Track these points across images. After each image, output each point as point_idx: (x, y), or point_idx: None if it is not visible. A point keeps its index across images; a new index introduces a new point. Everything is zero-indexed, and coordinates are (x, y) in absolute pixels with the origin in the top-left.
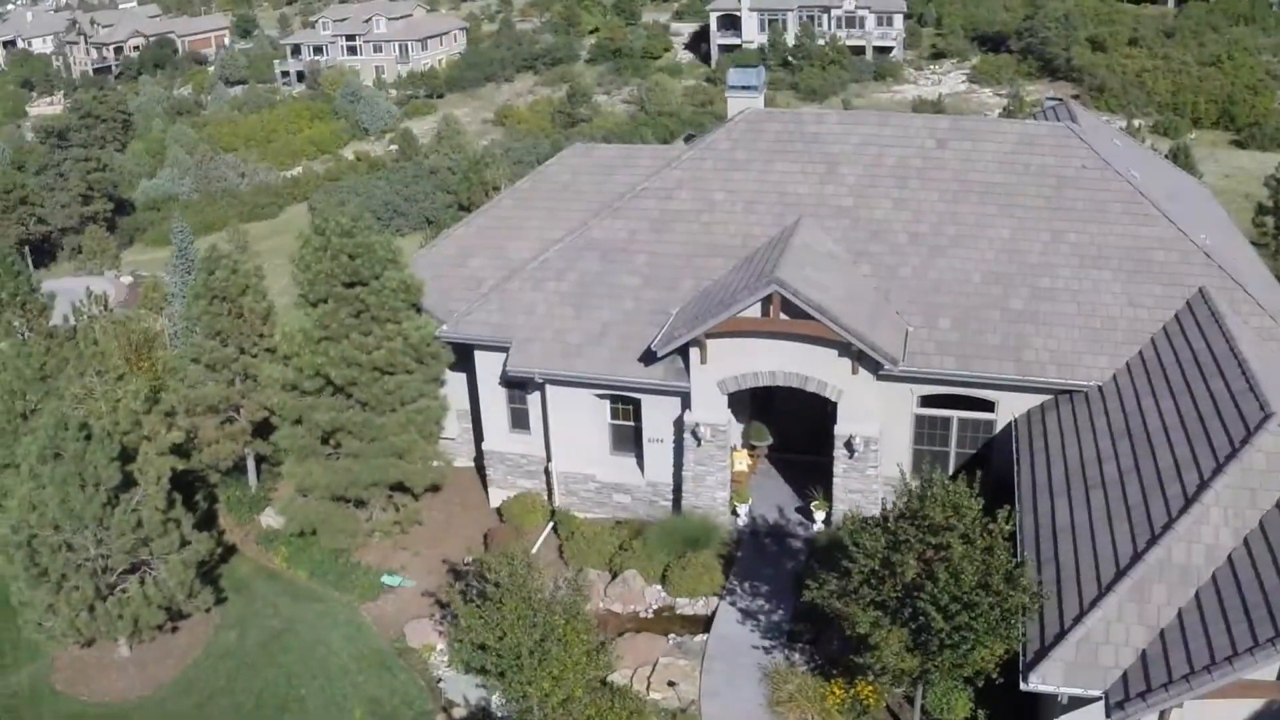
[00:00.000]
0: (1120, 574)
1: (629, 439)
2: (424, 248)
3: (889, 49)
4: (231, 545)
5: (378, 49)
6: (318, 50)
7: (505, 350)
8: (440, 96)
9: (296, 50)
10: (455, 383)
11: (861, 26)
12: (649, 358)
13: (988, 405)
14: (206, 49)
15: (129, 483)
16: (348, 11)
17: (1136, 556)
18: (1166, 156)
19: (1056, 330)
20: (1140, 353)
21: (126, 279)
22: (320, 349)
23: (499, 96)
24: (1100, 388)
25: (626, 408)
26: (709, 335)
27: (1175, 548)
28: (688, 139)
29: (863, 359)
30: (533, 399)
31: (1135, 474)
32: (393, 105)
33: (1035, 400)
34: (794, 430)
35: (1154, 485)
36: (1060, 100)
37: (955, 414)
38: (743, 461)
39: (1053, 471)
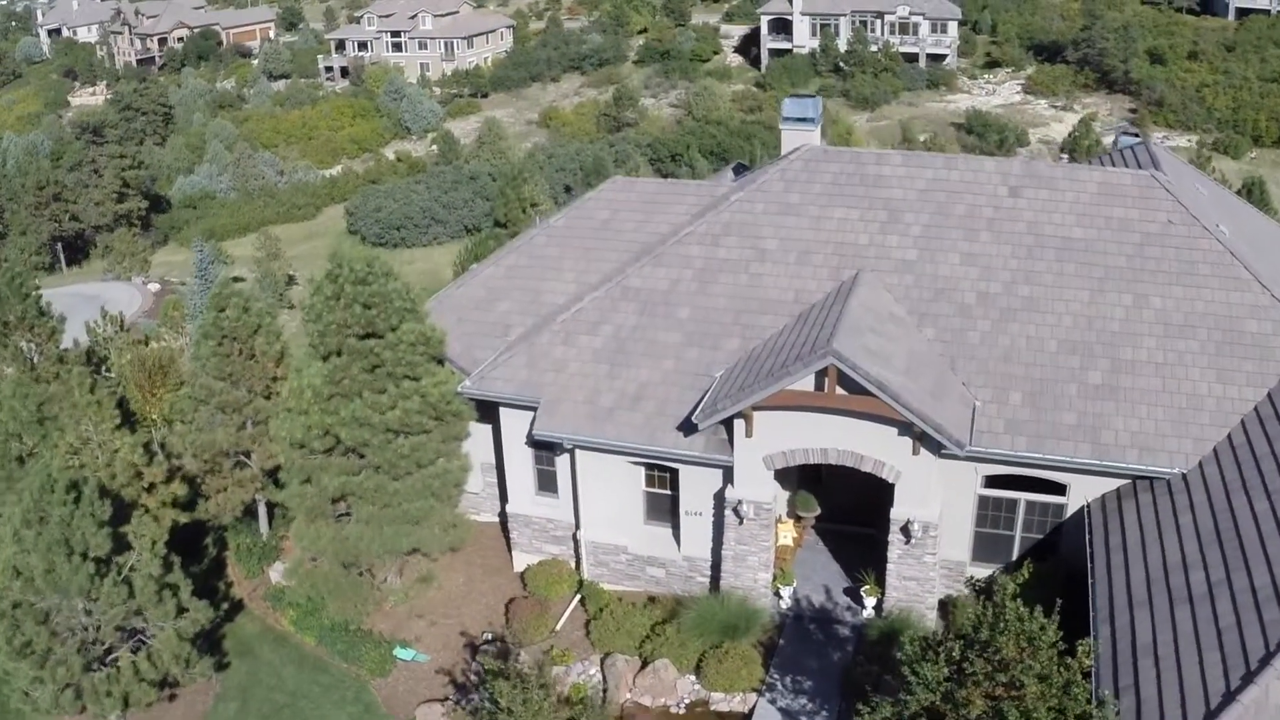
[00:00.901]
0: (1212, 715)
1: (665, 509)
2: (450, 286)
3: (942, 56)
4: (239, 601)
5: (423, 46)
6: (362, 46)
7: (533, 409)
8: (485, 96)
9: (341, 45)
10: (480, 433)
11: (915, 33)
12: (689, 426)
13: (1059, 488)
14: (251, 42)
15: (123, 545)
16: (394, 7)
17: (1229, 696)
18: (1240, 192)
19: (1139, 408)
20: (1229, 437)
21: (154, 286)
22: (330, 407)
23: (544, 97)
24: (1185, 475)
25: (663, 476)
26: (756, 407)
27: (1274, 686)
28: (738, 170)
29: (925, 439)
30: (561, 461)
31: (1227, 589)
32: (436, 104)
33: (1111, 484)
34: (844, 499)
35: (1249, 606)
36: (1137, 133)
37: (1022, 496)
38: (788, 534)
39: (1131, 575)
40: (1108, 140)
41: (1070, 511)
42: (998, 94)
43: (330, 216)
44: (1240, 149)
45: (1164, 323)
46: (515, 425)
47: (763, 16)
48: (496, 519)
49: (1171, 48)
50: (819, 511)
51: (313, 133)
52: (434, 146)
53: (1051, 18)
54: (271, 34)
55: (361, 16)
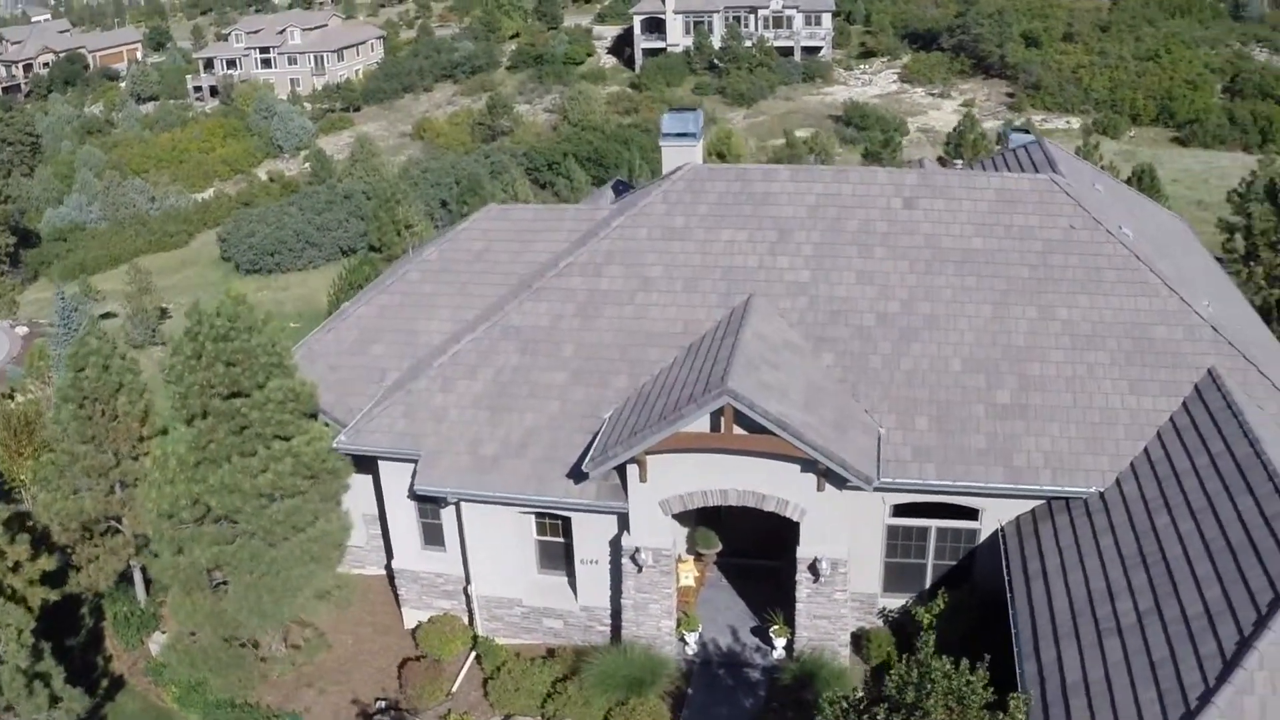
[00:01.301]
0: None
1: (559, 557)
2: (319, 330)
3: (818, 49)
4: (119, 677)
5: (292, 61)
6: (231, 64)
7: (413, 461)
8: (357, 110)
9: (210, 64)
10: (360, 484)
11: (789, 26)
12: (579, 472)
13: (971, 513)
14: (119, 64)
15: None
16: (261, 22)
17: None
18: (1130, 179)
19: (1050, 427)
20: (1146, 451)
21: (21, 329)
22: (198, 474)
23: (417, 108)
24: (1102, 494)
25: (556, 524)
26: (649, 451)
27: None
28: (617, 188)
29: (830, 475)
30: (447, 513)
31: (1157, 619)
32: (307, 121)
33: (1026, 506)
34: (745, 532)
35: (1182, 637)
36: (1028, 129)
37: (933, 523)
38: (689, 574)
39: (1055, 606)
40: (988, 126)
41: (984, 536)
42: (874, 84)
43: (204, 243)
44: (1119, 129)
45: (1071, 334)
46: (396, 479)
47: (635, 16)
48: (384, 571)
49: (1046, 30)
50: (720, 547)
51: (183, 155)
52: (307, 165)
53: (925, 5)
54: (139, 55)
55: (229, 34)
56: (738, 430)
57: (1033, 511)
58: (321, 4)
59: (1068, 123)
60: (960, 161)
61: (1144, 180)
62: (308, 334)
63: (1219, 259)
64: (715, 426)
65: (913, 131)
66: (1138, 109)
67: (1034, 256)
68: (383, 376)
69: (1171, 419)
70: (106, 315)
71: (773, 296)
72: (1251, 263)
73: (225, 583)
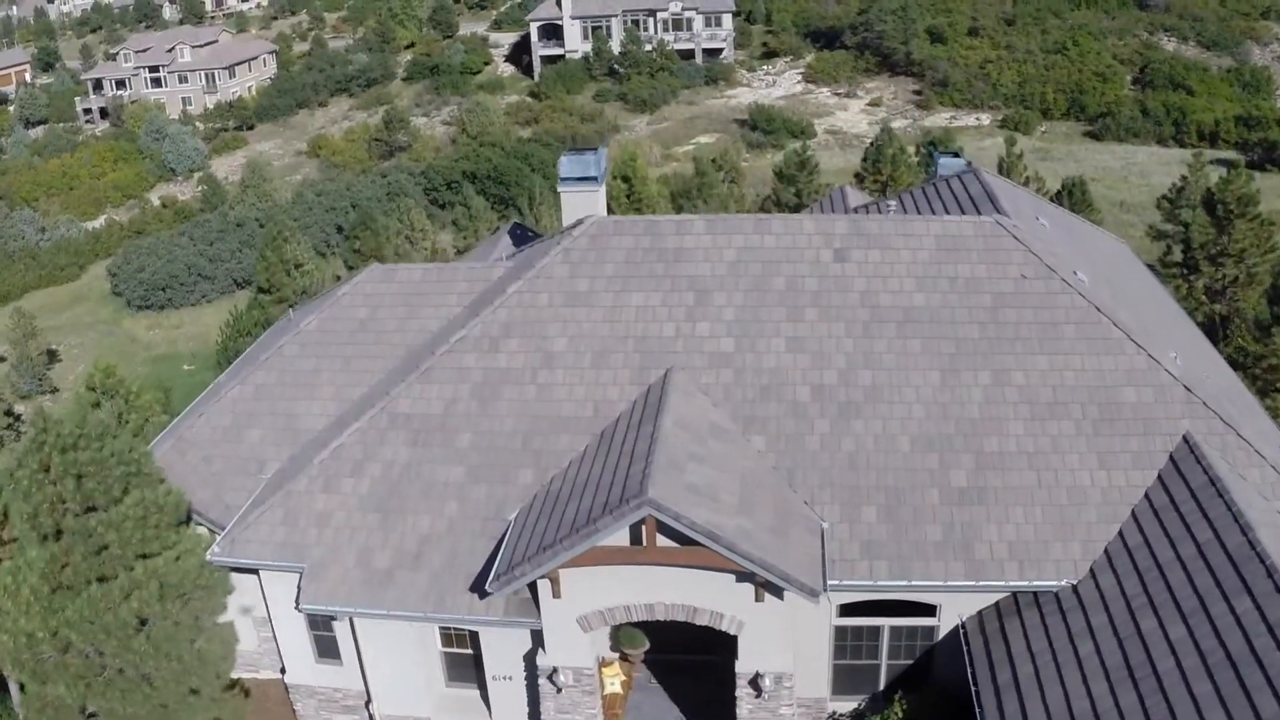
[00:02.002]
0: None
1: (469, 667)
2: (189, 414)
3: (719, 50)
4: None
5: (183, 79)
6: (120, 84)
7: (298, 572)
8: (250, 128)
9: (99, 85)
10: (246, 582)
11: (689, 29)
12: (484, 584)
13: (928, 609)
14: (7, 87)
15: None
16: (150, 40)
17: None
18: (1061, 193)
19: (1013, 511)
20: (1122, 536)
21: None
22: (55, 604)
23: (313, 124)
24: (1075, 587)
25: (463, 634)
26: (562, 566)
27: None
28: (515, 235)
29: (769, 585)
30: (341, 624)
31: None
32: (199, 142)
33: (988, 598)
34: (675, 625)
35: None
36: (957, 153)
37: (886, 622)
38: (615, 679)
39: None
40: (896, 125)
41: (943, 632)
42: (778, 85)
43: (95, 276)
44: (1031, 124)
45: (1031, 401)
46: (280, 589)
47: (532, 23)
48: (280, 675)
49: (951, 25)
50: (648, 645)
51: (74, 182)
52: (201, 188)
53: (827, 2)
54: (28, 77)
55: (117, 53)
56: (663, 541)
57: (997, 606)
58: (214, 18)
59: (978, 119)
60: (893, 203)
61: (1075, 194)
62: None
63: (1150, 267)
64: (636, 539)
65: (820, 133)
66: (1048, 103)
67: (984, 313)
68: (261, 468)
69: (1148, 496)
70: None
71: (693, 370)
72: (1191, 276)
73: (96, 714)
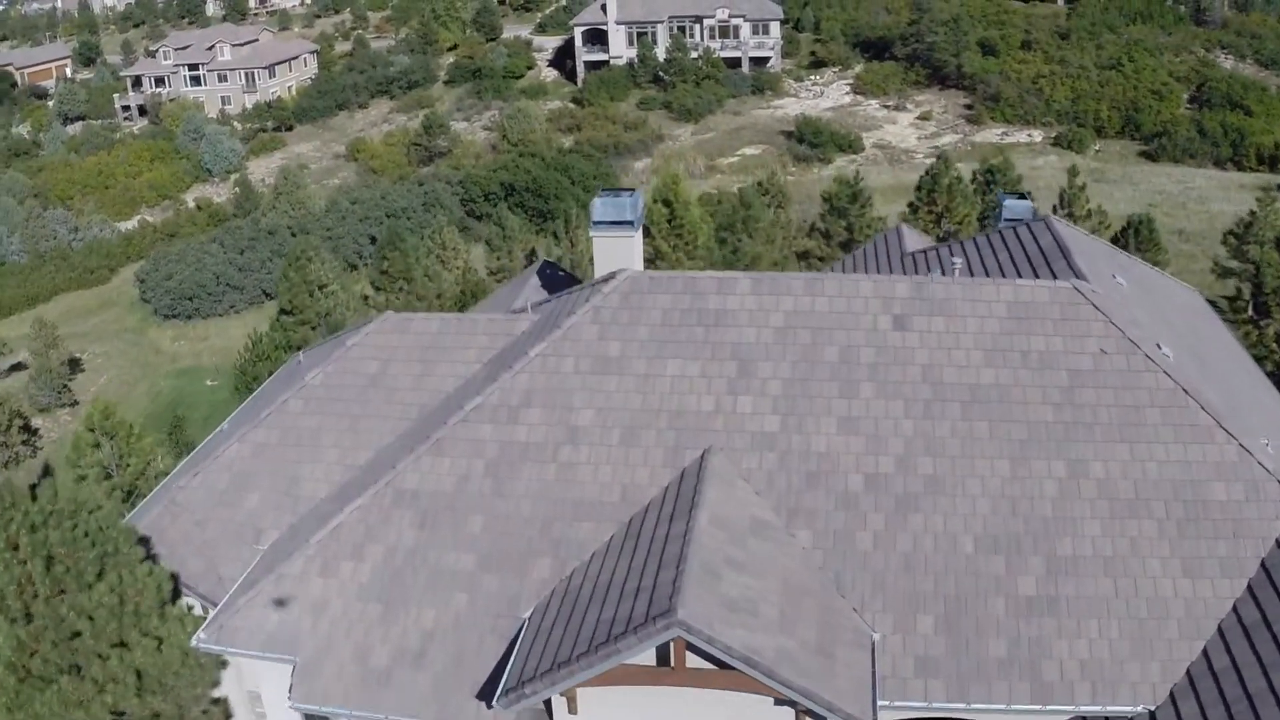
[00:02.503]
0: None
1: None
2: (183, 472)
3: (766, 59)
4: None
5: (222, 78)
6: (159, 81)
7: (292, 663)
8: (289, 129)
9: (138, 82)
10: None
11: (736, 36)
12: (493, 692)
13: None
14: (47, 81)
15: None
16: (190, 38)
17: None
18: (1125, 233)
19: (1087, 625)
20: (1206, 656)
21: None
22: (22, 697)
23: (352, 126)
24: (1153, 714)
25: None
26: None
27: None
28: (544, 274)
29: (812, 713)
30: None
31: None
32: (237, 142)
33: None
34: None
35: None
36: (1024, 194)
37: None
38: None
39: None
40: (944, 141)
41: None
42: (826, 96)
43: (126, 279)
44: (1084, 142)
45: (1110, 497)
46: (274, 679)
47: (576, 28)
48: None
49: (1004, 38)
50: None
51: (110, 180)
52: (237, 189)
53: (876, 11)
54: (69, 72)
55: (157, 50)
56: (693, 660)
57: None
58: (257, 14)
59: (1029, 135)
60: (959, 262)
61: (1141, 233)
62: (184, 460)
63: (1212, 303)
64: (664, 659)
65: (868, 148)
66: (1102, 120)
67: (1059, 393)
68: (258, 537)
69: (1236, 610)
70: (16, 367)
71: (734, 452)
72: (1261, 322)
73: None
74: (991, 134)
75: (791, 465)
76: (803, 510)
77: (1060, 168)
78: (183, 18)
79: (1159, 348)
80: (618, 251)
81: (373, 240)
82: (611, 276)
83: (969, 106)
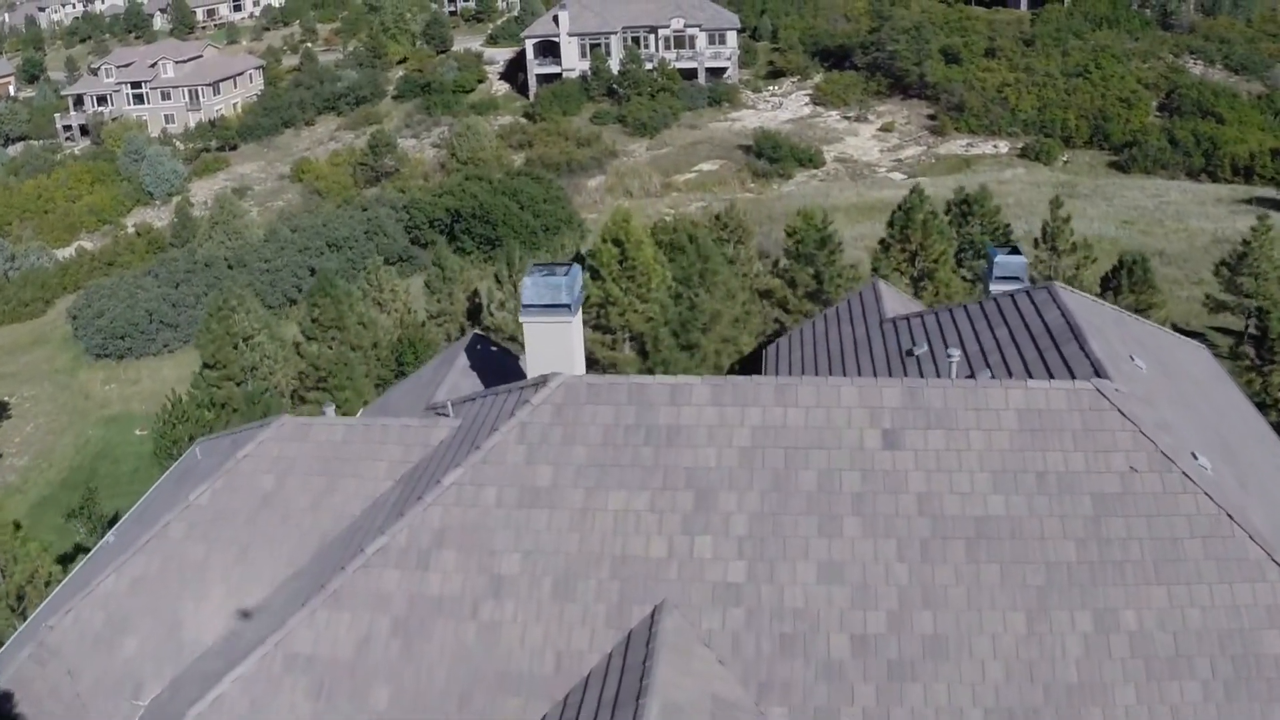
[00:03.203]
0: None
1: None
2: (52, 608)
3: (723, 70)
4: None
5: (166, 96)
6: (102, 100)
7: None
8: (233, 148)
9: (79, 101)
10: None
11: (692, 46)
12: None
13: None
14: None
15: None
16: (133, 55)
17: None
18: (1118, 272)
19: None
20: None
21: None
22: None
23: (298, 145)
24: None
25: None
26: None
27: None
28: (474, 355)
29: None
30: None
31: None
32: (179, 164)
33: None
34: None
35: None
36: (1015, 247)
37: None
38: None
39: None
40: (909, 153)
41: None
42: (784, 107)
43: (61, 312)
44: (1052, 154)
45: (1145, 655)
46: None
47: (527, 40)
48: None
49: (967, 45)
50: None
51: (49, 205)
52: (175, 218)
53: (835, 19)
54: (11, 89)
55: (99, 68)
56: None
57: None
58: (204, 27)
59: (995, 146)
60: (956, 354)
61: (1135, 274)
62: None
63: (1198, 336)
64: None
65: (829, 162)
66: (1070, 130)
67: (1082, 524)
68: (138, 691)
69: None
70: None
71: (691, 608)
72: (1265, 368)
73: None
74: (956, 145)
75: (762, 625)
76: (776, 682)
77: (1029, 181)
78: (130, 32)
79: (1195, 458)
80: (552, 342)
81: (312, 272)
82: (543, 381)
83: (932, 117)
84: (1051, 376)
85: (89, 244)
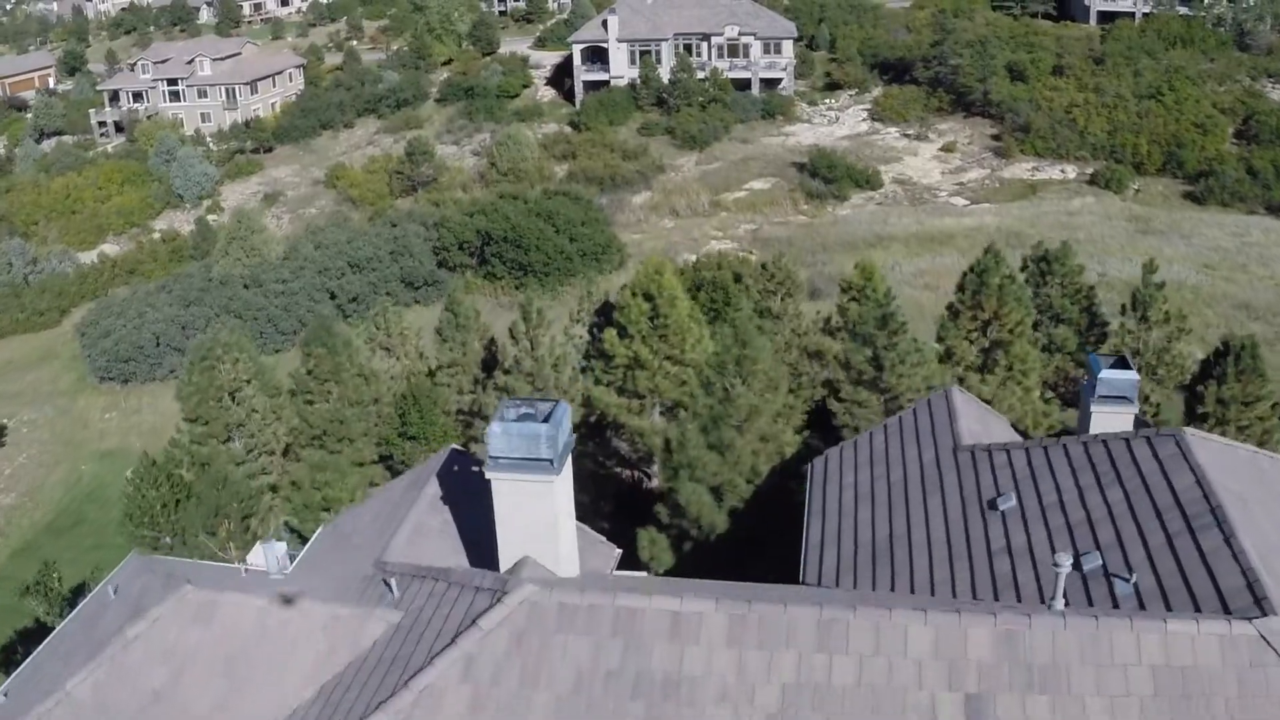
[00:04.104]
0: None
1: None
2: None
3: (778, 81)
4: None
5: (202, 94)
6: (137, 96)
7: None
8: (269, 150)
9: (115, 96)
10: None
11: (746, 55)
12: None
13: None
14: (28, 91)
15: None
16: (170, 50)
17: None
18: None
19: None
20: None
21: None
22: None
23: (335, 148)
24: None
25: None
26: None
27: None
28: (446, 483)
29: None
30: None
31: None
32: (210, 166)
33: None
34: None
35: None
36: (1123, 359)
37: None
38: None
39: None
40: (971, 177)
41: None
42: (841, 122)
43: (75, 324)
44: (1123, 181)
45: None
46: None
47: (575, 45)
48: None
49: (1034, 63)
50: None
51: (77, 205)
52: (194, 228)
53: (896, 30)
54: (51, 81)
55: (136, 63)
56: None
57: None
58: (250, 21)
59: (1062, 171)
60: (1064, 562)
61: (1243, 360)
62: None
63: None
64: None
65: (888, 183)
66: (1141, 155)
67: None
68: None
69: None
70: None
71: None
72: None
73: None
74: (1021, 169)
75: None
76: None
77: (1100, 213)
78: (175, 24)
79: None
80: (529, 507)
81: (332, 296)
82: (507, 583)
83: (996, 137)
84: (1188, 585)
85: (114, 248)
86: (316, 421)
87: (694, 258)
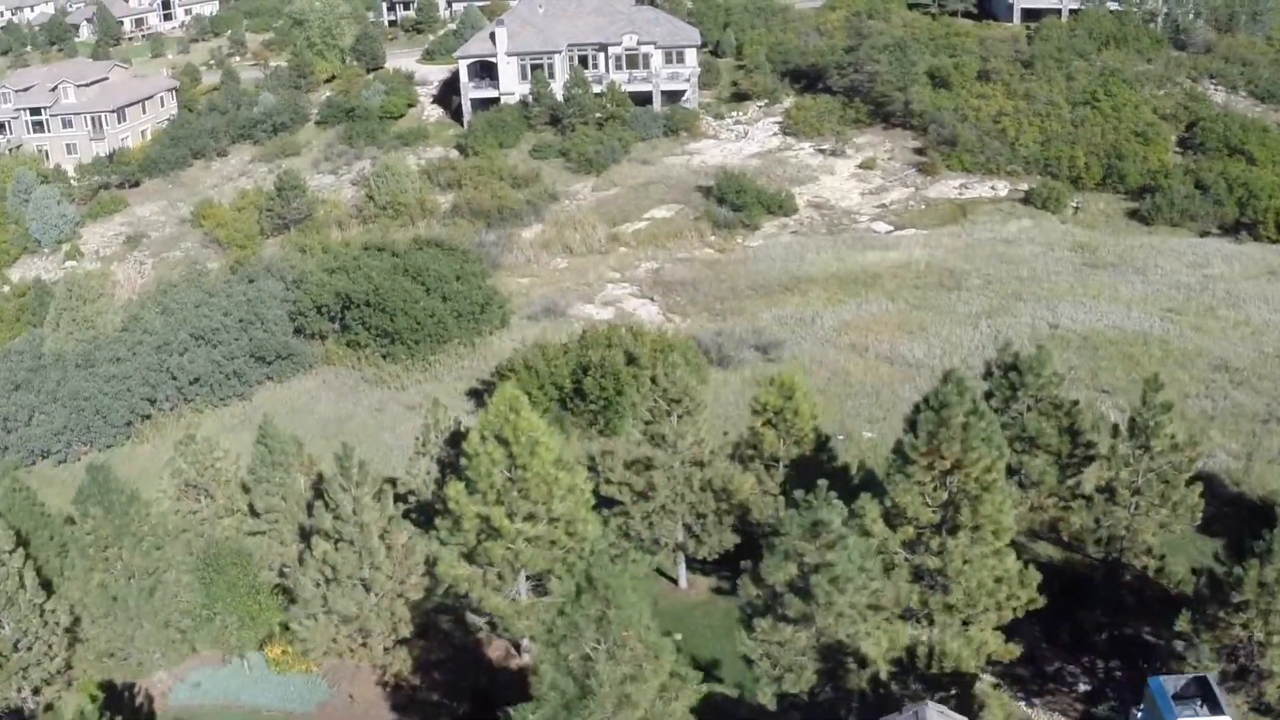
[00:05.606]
0: None
1: None
2: None
3: (681, 93)
4: None
5: (67, 124)
6: (0, 127)
7: None
8: (135, 185)
9: None
10: None
11: (646, 66)
12: None
13: None
14: None
15: None
16: (33, 77)
17: None
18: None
19: None
20: None
21: None
22: None
23: (206, 180)
24: None
25: None
26: None
27: None
28: None
29: None
30: None
31: None
32: (68, 206)
33: None
34: None
35: None
36: (1200, 673)
37: None
38: None
39: None
40: (894, 197)
41: None
42: (751, 137)
43: None
44: (1060, 199)
45: None
46: None
47: (461, 60)
48: None
49: (957, 67)
50: None
51: None
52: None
53: (807, 34)
54: None
55: None
56: None
57: None
58: (132, 38)
59: (993, 188)
60: None
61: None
62: None
63: None
64: None
65: (802, 208)
66: (1078, 169)
67: None
68: None
69: None
70: None
71: None
72: None
73: None
74: (948, 186)
75: None
76: None
77: (1041, 241)
78: (53, 44)
79: None
80: None
81: (173, 377)
82: None
83: (920, 151)
84: None
85: None
86: (89, 618)
87: (580, 328)
